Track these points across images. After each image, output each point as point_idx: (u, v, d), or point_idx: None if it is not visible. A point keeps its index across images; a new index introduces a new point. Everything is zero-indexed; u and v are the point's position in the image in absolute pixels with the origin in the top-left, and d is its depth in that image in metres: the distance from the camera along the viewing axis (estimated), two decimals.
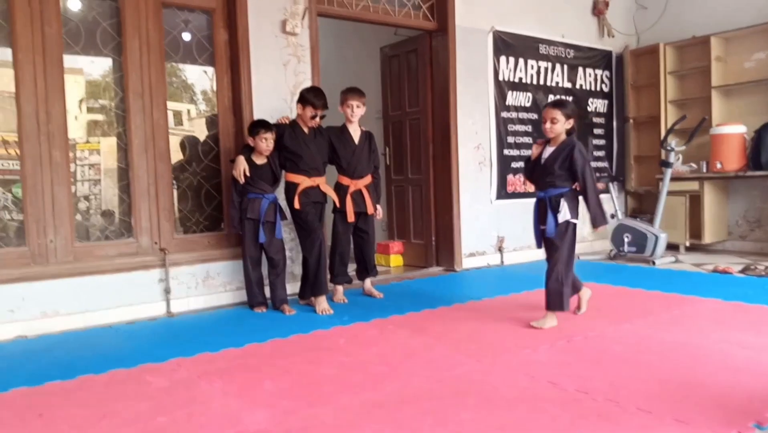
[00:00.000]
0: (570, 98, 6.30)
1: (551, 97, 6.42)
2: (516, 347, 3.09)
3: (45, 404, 2.49)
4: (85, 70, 4.18)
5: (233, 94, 4.54)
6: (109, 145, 4.25)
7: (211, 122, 4.60)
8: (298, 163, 4.17)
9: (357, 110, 4.35)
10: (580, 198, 3.52)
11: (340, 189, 4.37)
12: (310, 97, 4.15)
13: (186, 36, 4.45)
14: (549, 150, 3.54)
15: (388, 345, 3.21)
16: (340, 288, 4.49)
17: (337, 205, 4.36)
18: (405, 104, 6.04)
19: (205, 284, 4.37)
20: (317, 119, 4.18)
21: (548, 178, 3.51)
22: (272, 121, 4.23)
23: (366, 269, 4.58)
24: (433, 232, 5.79)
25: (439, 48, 5.65)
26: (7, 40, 3.76)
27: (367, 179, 4.44)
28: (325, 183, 4.29)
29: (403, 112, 6.07)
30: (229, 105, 4.55)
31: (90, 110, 4.22)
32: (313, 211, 4.22)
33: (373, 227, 4.57)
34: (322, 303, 4.10)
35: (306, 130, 4.21)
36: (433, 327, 3.54)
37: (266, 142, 4.02)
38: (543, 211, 3.57)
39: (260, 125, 4.05)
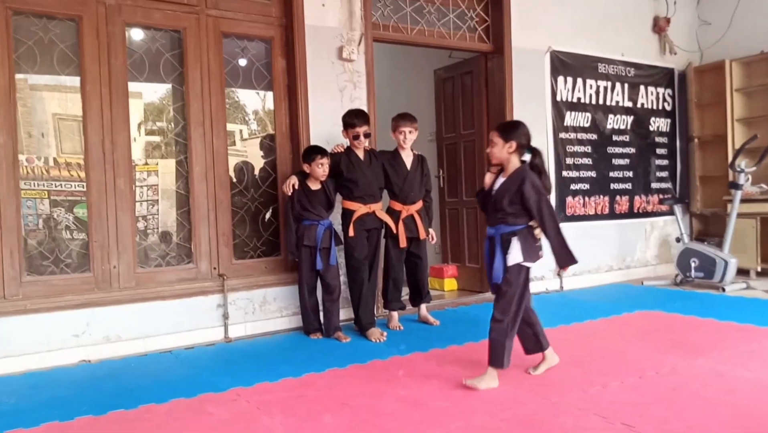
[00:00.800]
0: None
1: (611, 117, 6.25)
2: (584, 384, 2.95)
3: None
4: (144, 93, 4.27)
5: (290, 121, 4.57)
6: (166, 166, 4.33)
7: (269, 148, 4.64)
8: (354, 190, 4.15)
9: (409, 136, 4.32)
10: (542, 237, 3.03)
11: (392, 214, 4.33)
12: (347, 118, 4.17)
13: (245, 64, 4.52)
14: (500, 180, 3.07)
15: (449, 379, 3.12)
16: (395, 314, 4.43)
17: (394, 231, 4.32)
18: (459, 126, 5.97)
19: (262, 309, 4.38)
20: (362, 138, 4.14)
21: (499, 213, 3.02)
22: (328, 147, 4.24)
23: (420, 295, 4.51)
24: None
25: (495, 69, 5.58)
26: (76, 71, 3.90)
27: (419, 204, 4.40)
28: (380, 209, 4.26)
29: (458, 134, 6.00)
30: (287, 131, 4.58)
31: (149, 132, 4.30)
32: (364, 244, 4.19)
33: (425, 252, 4.51)
34: (374, 333, 4.06)
35: (361, 156, 4.20)
36: None
37: (322, 168, 4.02)
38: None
39: (315, 151, 4.06)
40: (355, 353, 3.69)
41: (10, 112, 3.67)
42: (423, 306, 4.53)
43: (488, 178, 3.15)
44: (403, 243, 4.28)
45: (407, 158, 4.37)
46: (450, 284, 5.97)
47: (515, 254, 2.96)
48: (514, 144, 2.99)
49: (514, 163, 3.02)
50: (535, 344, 3.19)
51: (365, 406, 2.74)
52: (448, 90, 6.12)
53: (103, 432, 2.55)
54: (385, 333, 4.09)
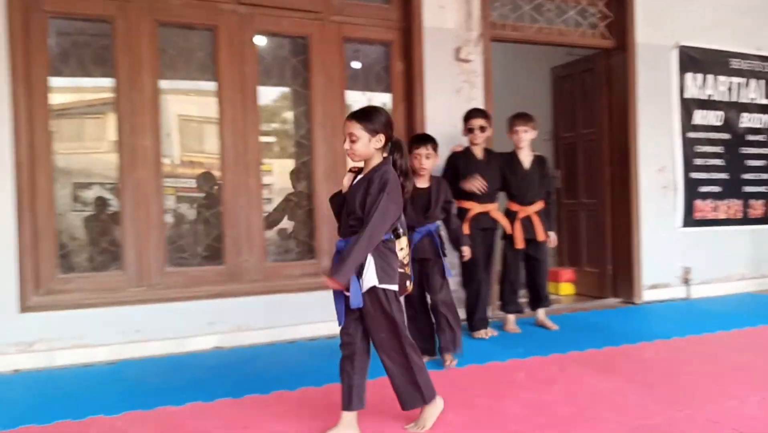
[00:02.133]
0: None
1: (745, 116, 5.83)
2: (720, 397, 2.79)
3: (247, 417, 2.69)
4: (265, 95, 4.48)
5: (408, 123, 4.65)
6: (282, 166, 4.54)
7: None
8: None
9: (524, 135, 4.27)
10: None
11: (509, 215, 4.30)
12: (467, 112, 4.20)
13: (365, 67, 4.65)
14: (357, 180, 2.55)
15: (572, 384, 3.06)
16: (511, 317, 4.38)
17: (507, 231, 4.29)
18: (578, 125, 5.81)
19: None
20: (476, 132, 4.09)
21: (351, 221, 2.46)
22: (443, 148, 4.28)
23: (538, 298, 4.45)
24: (609, 260, 5.48)
25: (617, 66, 5.37)
26: (212, 77, 4.18)
27: (538, 205, 4.32)
28: (496, 210, 4.23)
29: (577, 133, 5.84)
30: (404, 133, 4.65)
31: (263, 133, 4.51)
32: (479, 243, 4.15)
33: (545, 255, 4.44)
34: (479, 333, 4.14)
35: (480, 155, 4.19)
36: (620, 367, 3.32)
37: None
38: None
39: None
40: (472, 353, 3.68)
41: (155, 117, 4.00)
42: (541, 310, 4.46)
43: (347, 180, 2.57)
44: (519, 244, 4.23)
45: (525, 158, 4.32)
46: (566, 288, 5.83)
47: (369, 276, 2.38)
48: (383, 137, 2.47)
49: (376, 159, 2.50)
50: (347, 398, 2.51)
51: (487, 406, 2.75)
52: (566, 88, 5.97)
53: (242, 413, 2.73)
54: (493, 330, 4.14)
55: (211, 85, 4.18)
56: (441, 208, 3.59)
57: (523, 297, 4.52)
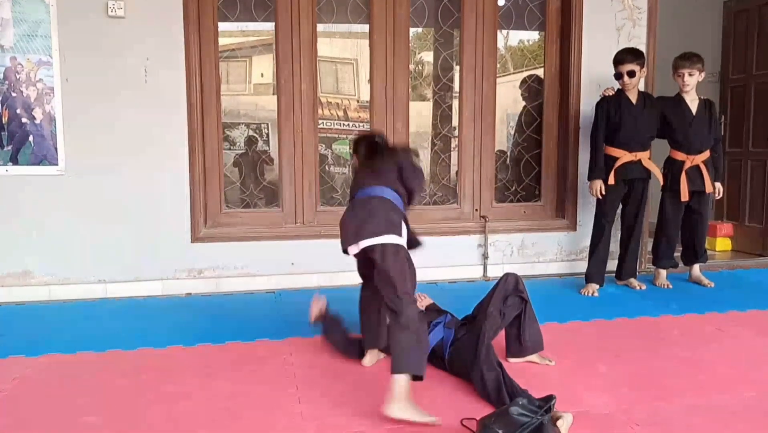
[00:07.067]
0: None
1: None
2: None
3: None
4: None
5: (561, 63, 4.46)
6: (416, 110, 4.58)
7: (535, 91, 4.60)
8: (619, 135, 3.92)
9: (689, 78, 3.92)
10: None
11: (674, 165, 4.03)
12: (617, 54, 3.95)
13: (517, 5, 4.47)
14: None
15: (733, 345, 2.90)
16: (663, 272, 4.18)
17: (660, 182, 4.05)
18: (751, 66, 5.25)
19: (521, 253, 4.46)
20: (625, 78, 3.85)
21: None
22: (599, 90, 4.07)
23: (695, 254, 4.19)
24: None
25: None
26: (366, 20, 4.24)
27: (706, 154, 4.01)
28: (647, 158, 3.99)
29: (748, 75, 5.29)
30: (556, 73, 4.48)
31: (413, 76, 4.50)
32: (618, 195, 4.00)
33: (707, 208, 4.16)
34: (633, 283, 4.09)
35: (633, 99, 3.94)
36: None
37: None
38: None
39: None
40: (622, 306, 3.60)
41: (312, 61, 4.15)
42: (696, 266, 4.21)
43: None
44: (684, 197, 3.97)
45: (692, 103, 4.00)
46: (723, 243, 5.43)
47: None
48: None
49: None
50: None
51: (639, 360, 2.69)
52: (741, 25, 5.38)
53: None
54: (642, 284, 4.05)
55: (362, 28, 4.25)
56: None
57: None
